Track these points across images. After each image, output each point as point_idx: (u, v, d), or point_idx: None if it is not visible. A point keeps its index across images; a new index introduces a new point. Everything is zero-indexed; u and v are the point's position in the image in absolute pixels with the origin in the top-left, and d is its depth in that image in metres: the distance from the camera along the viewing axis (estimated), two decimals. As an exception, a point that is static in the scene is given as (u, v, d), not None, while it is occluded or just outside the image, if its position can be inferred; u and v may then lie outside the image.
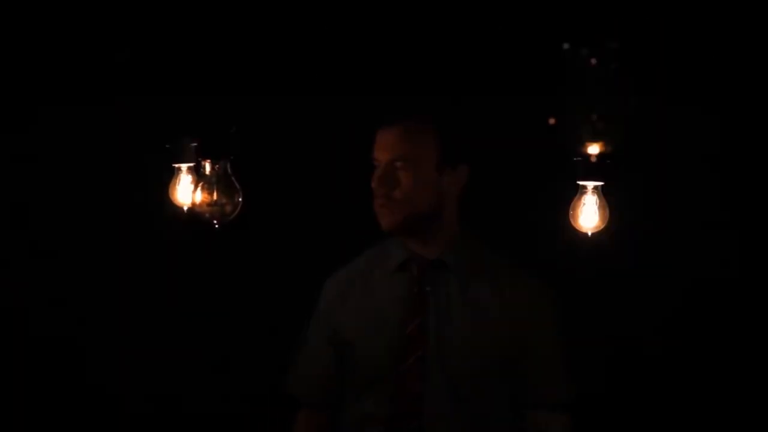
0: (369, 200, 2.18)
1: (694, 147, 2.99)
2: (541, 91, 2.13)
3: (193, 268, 3.30)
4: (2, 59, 3.19)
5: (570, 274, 2.98)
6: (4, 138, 3.23)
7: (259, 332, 3.25)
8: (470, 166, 2.19)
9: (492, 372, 2.15)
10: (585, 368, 3.06)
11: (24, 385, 3.33)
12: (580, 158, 2.16)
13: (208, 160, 2.33)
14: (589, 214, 2.28)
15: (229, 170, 2.33)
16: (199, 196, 2.32)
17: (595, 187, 2.25)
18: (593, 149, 2.04)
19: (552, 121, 1.89)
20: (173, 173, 2.78)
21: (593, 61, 1.77)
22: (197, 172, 2.53)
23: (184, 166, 2.75)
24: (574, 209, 2.29)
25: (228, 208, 2.34)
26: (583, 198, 2.27)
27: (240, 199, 2.35)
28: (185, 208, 2.78)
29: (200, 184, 2.33)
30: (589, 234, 2.30)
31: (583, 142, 2.04)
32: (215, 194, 2.32)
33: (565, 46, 1.79)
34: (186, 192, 2.76)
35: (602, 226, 2.29)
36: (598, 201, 2.26)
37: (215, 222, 2.34)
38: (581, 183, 2.25)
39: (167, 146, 2.71)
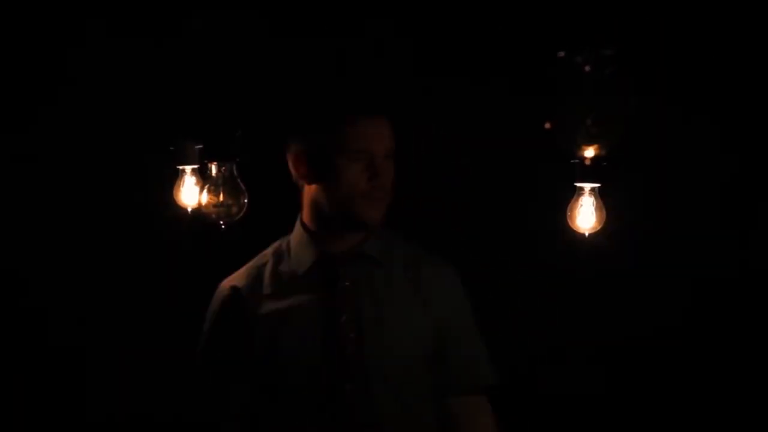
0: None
1: (694, 147, 3.00)
2: (541, 93, 2.16)
3: (193, 269, 3.29)
4: (2, 59, 3.21)
5: (570, 274, 3.01)
6: (4, 138, 3.24)
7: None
8: None
9: (422, 361, 2.11)
10: (585, 368, 3.12)
11: (24, 385, 3.34)
12: (577, 160, 2.18)
13: (214, 163, 2.36)
14: (586, 216, 2.29)
15: (235, 172, 2.37)
16: (206, 198, 2.36)
17: (592, 189, 2.27)
18: (588, 153, 2.06)
19: (548, 125, 1.91)
20: (177, 175, 2.79)
21: (587, 68, 1.79)
22: (202, 174, 2.57)
23: (188, 168, 2.76)
24: (572, 210, 2.30)
25: (234, 209, 2.38)
26: (580, 199, 2.29)
27: (245, 201, 2.39)
28: (189, 210, 2.80)
29: (206, 186, 2.37)
30: (587, 235, 2.32)
31: (578, 146, 2.06)
32: (221, 195, 2.36)
33: (560, 54, 1.81)
34: (190, 193, 2.77)
35: (599, 227, 2.31)
36: (595, 202, 2.28)
37: (221, 223, 2.38)
38: (578, 185, 2.27)
39: (171, 148, 2.73)
